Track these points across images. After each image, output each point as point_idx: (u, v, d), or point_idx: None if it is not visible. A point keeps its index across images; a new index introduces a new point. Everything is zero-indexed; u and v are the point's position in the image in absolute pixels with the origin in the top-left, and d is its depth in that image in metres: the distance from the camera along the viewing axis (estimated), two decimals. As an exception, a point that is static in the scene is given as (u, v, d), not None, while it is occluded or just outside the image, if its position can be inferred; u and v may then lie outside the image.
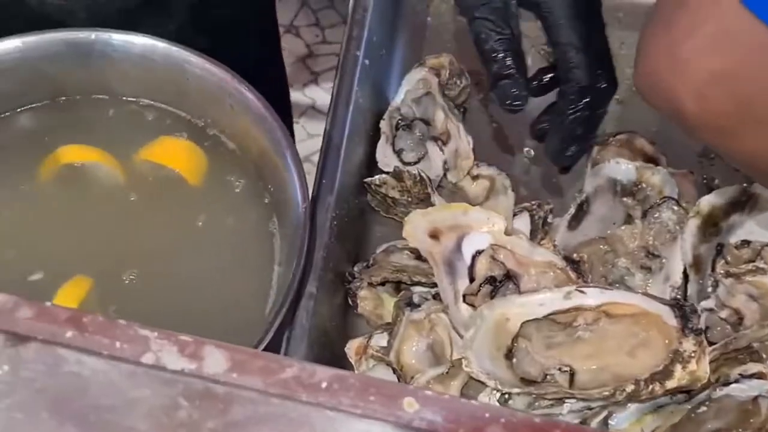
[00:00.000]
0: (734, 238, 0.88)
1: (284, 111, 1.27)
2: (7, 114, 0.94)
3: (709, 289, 0.86)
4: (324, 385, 0.49)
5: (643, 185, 0.89)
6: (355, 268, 0.92)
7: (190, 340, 0.50)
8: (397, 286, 0.92)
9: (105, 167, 0.93)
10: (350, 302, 0.91)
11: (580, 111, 0.81)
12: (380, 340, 0.86)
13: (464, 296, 0.83)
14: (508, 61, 0.80)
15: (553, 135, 0.85)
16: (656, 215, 0.87)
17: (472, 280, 0.84)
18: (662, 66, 0.65)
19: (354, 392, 0.49)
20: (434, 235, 0.84)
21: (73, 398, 0.46)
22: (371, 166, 0.98)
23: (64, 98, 0.95)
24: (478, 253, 0.84)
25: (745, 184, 0.88)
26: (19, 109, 0.94)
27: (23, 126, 0.94)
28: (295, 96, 2.19)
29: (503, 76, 0.80)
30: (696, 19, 0.62)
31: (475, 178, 0.97)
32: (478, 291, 0.83)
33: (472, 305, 0.83)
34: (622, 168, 0.89)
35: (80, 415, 0.45)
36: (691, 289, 0.86)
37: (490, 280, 0.83)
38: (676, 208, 0.87)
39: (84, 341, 0.49)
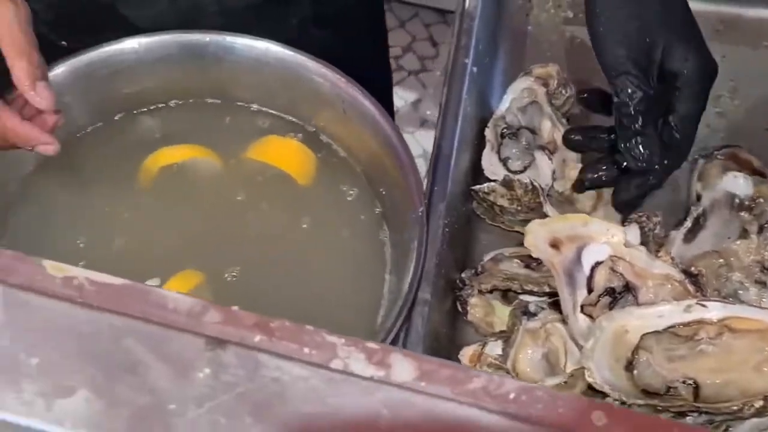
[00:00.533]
0: None
1: (388, 112, 1.28)
2: (122, 114, 0.95)
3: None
4: (512, 396, 0.49)
5: (761, 200, 0.89)
6: (464, 275, 0.92)
7: (377, 347, 0.50)
8: (504, 293, 0.92)
9: (212, 164, 0.94)
10: (460, 309, 0.91)
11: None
12: (495, 348, 0.86)
13: (582, 307, 0.83)
14: (639, 119, 0.86)
15: (634, 191, 0.91)
16: (773, 230, 0.87)
17: (590, 291, 0.84)
18: None
19: (542, 405, 0.49)
20: (554, 245, 0.84)
21: (274, 404, 0.46)
22: (476, 173, 0.98)
23: (177, 101, 0.96)
24: (597, 264, 0.84)
25: None
26: (134, 111, 0.95)
27: (138, 127, 0.95)
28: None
29: (633, 132, 0.86)
30: None
31: (581, 188, 0.97)
32: (597, 302, 0.83)
33: (590, 316, 0.83)
34: (740, 182, 0.89)
35: (283, 421, 0.46)
36: (808, 303, 0.86)
37: (609, 291, 0.83)
38: (793, 224, 0.87)
39: (272, 345, 0.49)
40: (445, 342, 0.90)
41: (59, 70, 0.89)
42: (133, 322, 0.48)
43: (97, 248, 0.88)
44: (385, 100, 1.28)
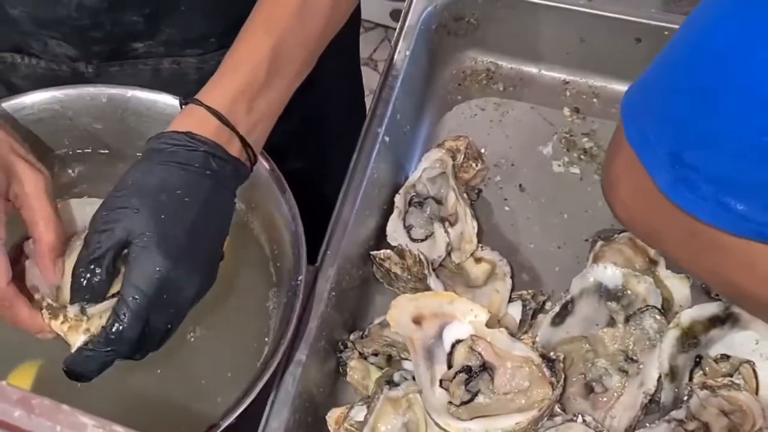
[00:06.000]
0: (714, 351, 0.90)
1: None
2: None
3: (685, 398, 0.88)
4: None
5: (629, 292, 0.91)
6: (351, 337, 0.96)
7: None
8: (389, 358, 0.96)
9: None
10: (340, 370, 0.95)
11: None
12: (359, 412, 0.90)
13: (441, 381, 0.87)
14: None
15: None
16: (638, 322, 0.90)
17: (450, 366, 0.87)
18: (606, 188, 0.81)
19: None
20: (417, 321, 0.88)
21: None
22: (381, 237, 1.02)
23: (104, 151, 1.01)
24: (458, 341, 0.87)
25: (726, 302, 0.90)
26: (53, 156, 1.00)
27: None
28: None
29: None
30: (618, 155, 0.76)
31: (478, 260, 1.01)
32: (454, 377, 0.86)
33: (447, 390, 0.86)
34: (608, 273, 0.91)
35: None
36: (665, 396, 0.89)
37: (466, 369, 0.86)
38: (658, 317, 0.89)
39: (29, 422, 0.54)
40: (322, 399, 0.94)
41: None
42: None
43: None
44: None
